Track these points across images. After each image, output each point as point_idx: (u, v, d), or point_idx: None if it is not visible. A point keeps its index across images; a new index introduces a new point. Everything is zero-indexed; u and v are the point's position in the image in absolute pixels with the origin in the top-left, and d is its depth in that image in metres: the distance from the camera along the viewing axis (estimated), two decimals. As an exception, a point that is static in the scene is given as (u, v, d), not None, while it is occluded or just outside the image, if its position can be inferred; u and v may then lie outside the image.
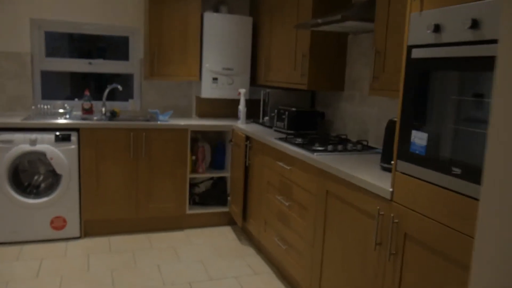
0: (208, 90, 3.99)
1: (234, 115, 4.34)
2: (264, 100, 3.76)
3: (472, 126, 1.42)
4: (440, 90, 1.55)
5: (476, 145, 1.40)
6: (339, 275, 2.25)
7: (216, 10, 4.12)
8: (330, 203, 2.32)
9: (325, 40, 3.15)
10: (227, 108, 4.31)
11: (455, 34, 1.47)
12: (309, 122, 3.40)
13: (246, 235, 3.78)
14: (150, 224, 3.79)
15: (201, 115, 4.24)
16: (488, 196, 1.10)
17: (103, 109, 3.90)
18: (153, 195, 3.71)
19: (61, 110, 3.80)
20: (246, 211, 3.59)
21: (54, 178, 3.41)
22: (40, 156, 3.36)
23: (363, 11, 2.51)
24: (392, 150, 2.13)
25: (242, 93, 3.85)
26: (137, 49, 4.12)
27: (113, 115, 3.89)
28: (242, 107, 3.85)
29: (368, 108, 3.02)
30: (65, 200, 3.43)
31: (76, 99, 3.98)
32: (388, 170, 2.17)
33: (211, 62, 3.95)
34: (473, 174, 1.41)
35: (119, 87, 3.88)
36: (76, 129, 3.43)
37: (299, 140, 2.93)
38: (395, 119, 2.15)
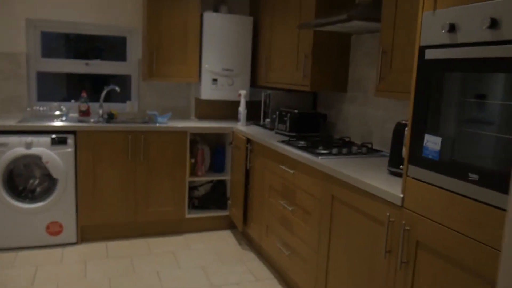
0: (208, 92, 3.92)
1: (234, 117, 4.26)
2: (265, 102, 3.69)
3: (490, 130, 1.35)
4: (455, 92, 1.48)
5: (494, 150, 1.33)
6: (345, 282, 2.18)
7: (216, 9, 4.05)
8: (335, 208, 2.25)
9: (328, 40, 3.08)
10: (227, 109, 4.23)
11: (472, 34, 1.41)
12: (311, 124, 3.33)
13: (246, 240, 3.70)
14: (148, 228, 3.71)
15: (201, 117, 4.16)
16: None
17: (100, 111, 3.82)
18: (152, 199, 3.62)
19: (57, 112, 3.72)
20: (246, 215, 3.52)
21: (50, 182, 3.32)
22: (36, 160, 3.27)
23: (368, 11, 2.44)
24: (400, 154, 2.06)
25: (243, 95, 3.77)
26: (135, 49, 4.04)
27: (110, 117, 3.80)
28: (242, 109, 3.78)
29: (372, 110, 2.95)
30: (61, 205, 3.34)
31: (72, 101, 3.89)
32: (396, 174, 2.10)
33: (211, 63, 3.87)
34: (492, 180, 1.35)
35: (117, 89, 3.80)
36: (73, 132, 3.35)
37: (302, 143, 2.86)
38: (403, 122, 2.08)
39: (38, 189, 3.34)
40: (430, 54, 1.55)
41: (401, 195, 1.75)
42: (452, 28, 1.47)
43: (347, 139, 3.09)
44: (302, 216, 2.61)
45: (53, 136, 3.27)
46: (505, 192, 1.30)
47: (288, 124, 3.29)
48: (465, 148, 1.44)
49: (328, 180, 2.30)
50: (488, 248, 1.37)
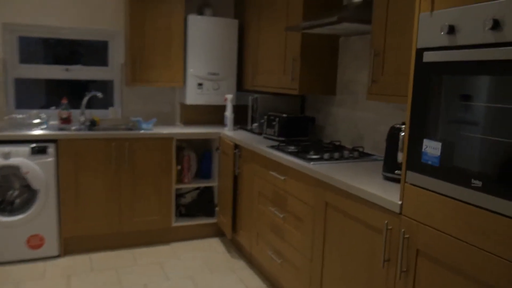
0: (193, 96, 3.83)
1: (221, 122, 4.18)
2: (252, 106, 3.62)
3: (492, 134, 1.30)
4: (455, 96, 1.43)
5: (498, 155, 1.29)
6: (341, 292, 2.12)
7: (200, 12, 3.96)
8: (330, 216, 2.19)
9: (316, 43, 3.03)
10: (213, 114, 4.15)
11: (473, 36, 1.36)
12: (300, 128, 3.27)
13: (236, 247, 3.62)
14: (134, 238, 3.60)
15: (186, 122, 4.06)
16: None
17: (82, 118, 3.69)
18: (137, 208, 3.51)
19: (36, 120, 3.57)
20: (235, 222, 3.44)
21: (30, 194, 3.18)
22: (14, 171, 3.13)
23: (359, 12, 2.39)
24: (395, 158, 2.01)
25: (229, 99, 3.70)
26: (117, 54, 3.92)
27: (93, 124, 3.68)
28: (229, 114, 3.70)
29: (362, 113, 2.90)
30: (42, 217, 3.20)
31: (53, 108, 3.75)
32: (392, 179, 2.05)
33: (196, 67, 3.78)
34: (497, 187, 1.30)
35: (99, 95, 3.68)
36: (53, 140, 3.22)
37: (292, 148, 2.79)
38: (398, 126, 2.04)
39: (17, 201, 3.20)
40: (429, 57, 1.50)
41: (400, 202, 1.70)
42: (451, 30, 1.42)
43: (337, 143, 3.04)
44: (294, 223, 2.54)
45: (33, 145, 3.13)
46: (510, 198, 1.26)
47: (276, 128, 3.22)
48: (467, 153, 1.40)
49: (321, 186, 2.23)
50: (493, 257, 1.32)
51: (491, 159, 1.31)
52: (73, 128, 3.54)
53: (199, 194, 3.96)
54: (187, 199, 3.96)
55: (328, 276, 2.22)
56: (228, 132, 3.62)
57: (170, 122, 4.15)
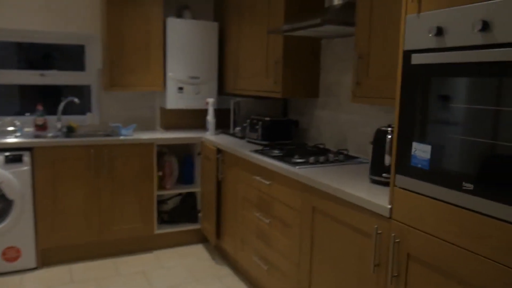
0: (174, 101, 3.75)
1: (202, 126, 4.11)
2: (234, 110, 3.57)
3: (482, 136, 1.29)
4: (444, 98, 1.42)
5: (489, 158, 1.27)
6: (331, 298, 2.09)
7: (179, 15, 3.90)
8: (317, 220, 2.16)
9: (299, 45, 3.01)
10: (194, 119, 4.08)
11: (461, 38, 1.35)
12: (283, 132, 3.24)
13: (220, 254, 3.56)
14: (115, 247, 3.50)
15: (167, 127, 3.99)
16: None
17: (59, 125, 3.57)
18: (118, 216, 3.42)
19: (10, 128, 3.43)
20: (219, 228, 3.38)
21: (4, 204, 3.06)
22: (-12, 180, 3.00)
23: (342, 15, 2.38)
24: (382, 161, 1.99)
25: (210, 103, 3.64)
26: (94, 58, 3.82)
27: (70, 131, 3.57)
28: (210, 118, 3.64)
29: (345, 115, 2.89)
30: (18, 228, 3.08)
31: (27, 114, 3.62)
32: (379, 183, 2.03)
33: (176, 71, 3.71)
34: (488, 190, 1.29)
35: (76, 100, 3.57)
36: (29, 148, 3.10)
37: (276, 152, 2.76)
38: (384, 128, 2.02)
39: (-9, 212, 3.07)
40: (417, 59, 1.49)
41: (389, 206, 1.68)
42: (439, 32, 1.41)
43: (321, 146, 3.01)
44: (280, 229, 2.50)
45: (7, 154, 3.01)
46: (504, 202, 1.25)
47: (260, 132, 3.18)
48: (457, 156, 1.38)
49: (308, 191, 2.20)
50: (486, 260, 1.30)
51: (482, 162, 1.30)
52: (49, 135, 3.42)
53: (182, 200, 3.89)
54: (170, 205, 3.88)
55: (316, 282, 2.19)
56: (210, 136, 3.57)
57: (150, 127, 4.07)
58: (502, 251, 1.26)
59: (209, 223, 3.44)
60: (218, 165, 3.26)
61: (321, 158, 2.52)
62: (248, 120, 3.31)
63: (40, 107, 3.53)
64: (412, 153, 1.56)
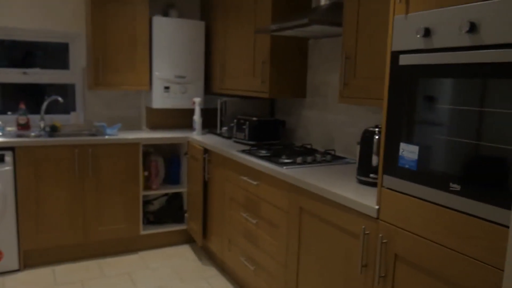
0: (160, 100, 3.71)
1: (188, 126, 4.08)
2: (221, 110, 3.55)
3: (469, 137, 1.30)
4: (432, 99, 1.42)
5: (476, 159, 1.28)
6: (318, 298, 2.08)
7: (165, 14, 3.86)
8: (304, 221, 2.15)
9: (286, 45, 3.00)
10: (180, 118, 4.04)
11: (449, 39, 1.35)
12: (270, 132, 3.23)
13: (207, 254, 3.53)
14: (100, 249, 3.45)
15: (153, 127, 3.94)
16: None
17: (42, 124, 3.51)
18: (103, 216, 3.37)
19: (-8, 127, 3.37)
20: (206, 229, 3.35)
21: (-14, 205, 2.99)
22: (-32, 181, 2.93)
23: (329, 15, 2.37)
24: (370, 162, 2.00)
25: (197, 102, 3.61)
26: (78, 56, 3.75)
27: (53, 130, 3.51)
28: (197, 117, 3.62)
29: (333, 115, 2.89)
30: (0, 229, 3.01)
31: (9, 113, 3.55)
32: (366, 183, 2.03)
33: (162, 70, 3.68)
34: (475, 190, 1.29)
35: (60, 99, 3.51)
36: (11, 148, 3.03)
37: (263, 152, 2.74)
38: (371, 129, 2.02)
39: (-28, 213, 3.00)
40: (404, 60, 1.49)
41: (377, 207, 1.68)
42: (427, 33, 1.41)
43: (308, 146, 3.01)
44: (267, 229, 2.49)
45: (-12, 153, 2.94)
46: (490, 202, 1.25)
47: (247, 132, 3.17)
48: (445, 157, 1.39)
49: (295, 191, 2.19)
50: (473, 261, 1.31)
51: (469, 163, 1.30)
52: (32, 134, 3.35)
53: (168, 200, 3.85)
54: (155, 206, 3.84)
55: (303, 283, 2.18)
56: (197, 136, 3.54)
57: (136, 127, 4.02)
58: (489, 251, 1.26)
59: (195, 224, 3.41)
60: (204, 165, 3.24)
61: (309, 158, 2.51)
62: (235, 120, 3.29)
63: (22, 106, 3.46)
64: (400, 153, 1.57)
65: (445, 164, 1.38)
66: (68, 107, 3.80)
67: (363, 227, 1.73)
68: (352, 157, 2.70)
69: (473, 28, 1.27)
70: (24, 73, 3.61)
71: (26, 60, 3.69)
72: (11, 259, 3.09)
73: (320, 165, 2.46)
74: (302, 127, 3.22)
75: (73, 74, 3.78)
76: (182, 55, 3.73)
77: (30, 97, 3.70)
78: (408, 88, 1.51)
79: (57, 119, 3.71)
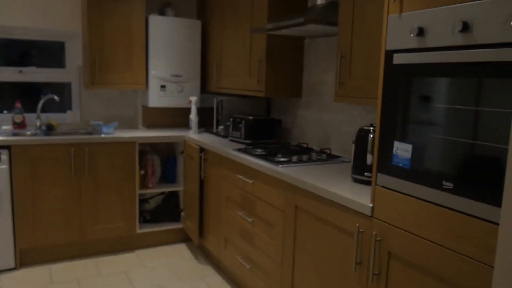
0: (156, 99, 3.72)
1: (185, 125, 4.08)
2: (217, 109, 3.55)
3: (461, 136, 1.31)
4: (425, 98, 1.43)
5: (468, 157, 1.29)
6: (313, 296, 2.09)
7: (162, 13, 3.86)
8: (300, 219, 2.16)
9: (282, 45, 3.01)
10: (177, 117, 4.05)
11: (442, 38, 1.36)
12: (266, 131, 3.24)
13: (203, 253, 3.54)
14: (96, 247, 3.45)
15: (149, 125, 3.95)
16: (509, 219, 0.98)
17: (38, 123, 3.50)
18: (99, 215, 3.37)
19: (-13, 125, 3.36)
20: (202, 228, 3.36)
21: (-19, 204, 2.99)
22: (-36, 179, 2.93)
23: (325, 14, 2.38)
24: (364, 160, 2.01)
25: (193, 101, 3.61)
26: (74, 55, 3.75)
27: (49, 129, 3.51)
28: (193, 116, 3.62)
29: (328, 114, 2.91)
30: (-4, 228, 3.02)
31: (5, 112, 3.54)
32: (361, 182, 2.04)
33: (158, 69, 3.68)
34: (467, 189, 1.30)
35: (56, 98, 3.50)
36: (7, 147, 3.03)
37: (259, 151, 2.75)
38: (366, 128, 2.03)
39: (-33, 212, 2.99)
40: (399, 59, 1.50)
41: (371, 205, 1.69)
42: (420, 32, 1.42)
43: (304, 145, 3.02)
44: (263, 228, 2.50)
45: (-16, 152, 2.94)
46: (482, 200, 1.27)
47: (243, 131, 3.17)
48: (437, 155, 1.40)
49: (291, 190, 2.20)
50: (467, 259, 1.32)
51: (461, 161, 1.31)
52: (28, 133, 3.35)
53: (164, 199, 3.86)
54: (152, 204, 3.85)
55: (299, 281, 2.20)
56: (193, 135, 3.55)
57: (132, 126, 4.02)
58: (482, 249, 1.28)
59: (192, 222, 3.42)
60: (200, 164, 3.25)
61: (304, 157, 2.52)
62: (231, 119, 3.30)
63: (18, 105, 3.45)
64: (394, 152, 1.58)
65: (438, 162, 1.40)
66: (64, 106, 3.80)
67: (357, 225, 1.75)
68: (348, 156, 2.71)
69: (465, 27, 1.28)
70: (20, 71, 3.61)
71: (22, 58, 3.69)
72: (7, 258, 3.08)
73: (315, 163, 2.47)
74: (298, 126, 3.23)
75: (69, 73, 3.78)
76: (179, 54, 3.74)
77: (26, 96, 3.70)
78: (402, 87, 1.52)
79: (53, 117, 3.71)
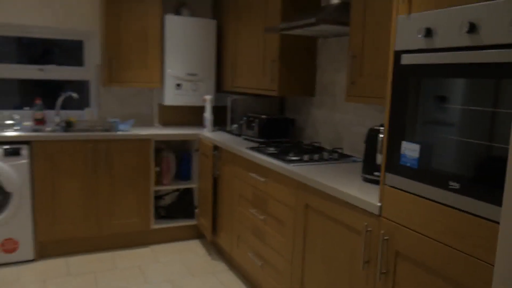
0: (171, 97, 3.78)
1: (199, 123, 4.14)
2: (231, 107, 3.60)
3: (469, 136, 1.32)
4: (433, 98, 1.45)
5: (474, 158, 1.30)
6: (322, 294, 2.12)
7: (178, 12, 3.92)
8: (310, 218, 2.19)
9: (295, 45, 3.03)
10: (192, 115, 4.11)
11: (449, 39, 1.37)
12: (280, 130, 3.27)
13: (216, 249, 3.59)
14: (112, 241, 3.53)
15: (164, 123, 4.01)
16: (509, 219, 0.99)
17: (57, 119, 3.60)
18: (115, 210, 3.45)
19: (9, 121, 3.47)
20: (215, 224, 3.41)
21: (3, 197, 3.09)
22: (-14, 173, 3.03)
23: (337, 14, 2.40)
24: (374, 160, 2.02)
25: (208, 100, 3.66)
26: (93, 54, 3.84)
27: (68, 125, 3.59)
28: (208, 115, 3.67)
29: (341, 114, 2.92)
30: (16, 220, 3.11)
31: (26, 109, 3.66)
32: (371, 181, 2.06)
33: (174, 67, 3.74)
34: (473, 189, 1.31)
35: (74, 95, 3.59)
36: (27, 142, 3.13)
37: (272, 150, 2.78)
38: (376, 128, 2.05)
39: (-11, 205, 3.10)
40: (406, 59, 1.51)
41: (379, 204, 1.71)
42: (428, 33, 1.43)
43: (317, 145, 3.04)
44: (274, 226, 2.53)
45: (5, 147, 3.04)
46: (487, 201, 1.27)
47: (256, 129, 3.21)
48: (444, 155, 1.41)
49: (301, 188, 2.23)
50: (472, 259, 1.33)
51: (468, 161, 1.32)
52: (48, 129, 3.45)
53: (179, 196, 3.92)
54: (167, 201, 3.91)
55: (309, 278, 2.22)
56: (207, 133, 3.60)
57: (148, 123, 4.09)
58: (487, 249, 1.28)
59: (205, 219, 3.47)
60: (214, 161, 3.29)
61: (316, 156, 2.54)
62: (245, 118, 3.33)
63: (38, 102, 3.55)
64: (402, 152, 1.59)
65: (445, 162, 1.41)
66: (82, 103, 3.89)
67: (365, 224, 1.76)
68: (359, 156, 2.72)
69: (472, 28, 1.29)
70: (41, 69, 3.71)
71: (43, 57, 3.79)
72: (27, 250, 3.19)
73: (327, 163, 2.49)
74: (311, 125, 3.25)
75: (88, 71, 3.87)
76: (194, 53, 3.79)
77: (46, 93, 3.80)
78: (410, 88, 1.53)
79: (72, 114, 3.80)
